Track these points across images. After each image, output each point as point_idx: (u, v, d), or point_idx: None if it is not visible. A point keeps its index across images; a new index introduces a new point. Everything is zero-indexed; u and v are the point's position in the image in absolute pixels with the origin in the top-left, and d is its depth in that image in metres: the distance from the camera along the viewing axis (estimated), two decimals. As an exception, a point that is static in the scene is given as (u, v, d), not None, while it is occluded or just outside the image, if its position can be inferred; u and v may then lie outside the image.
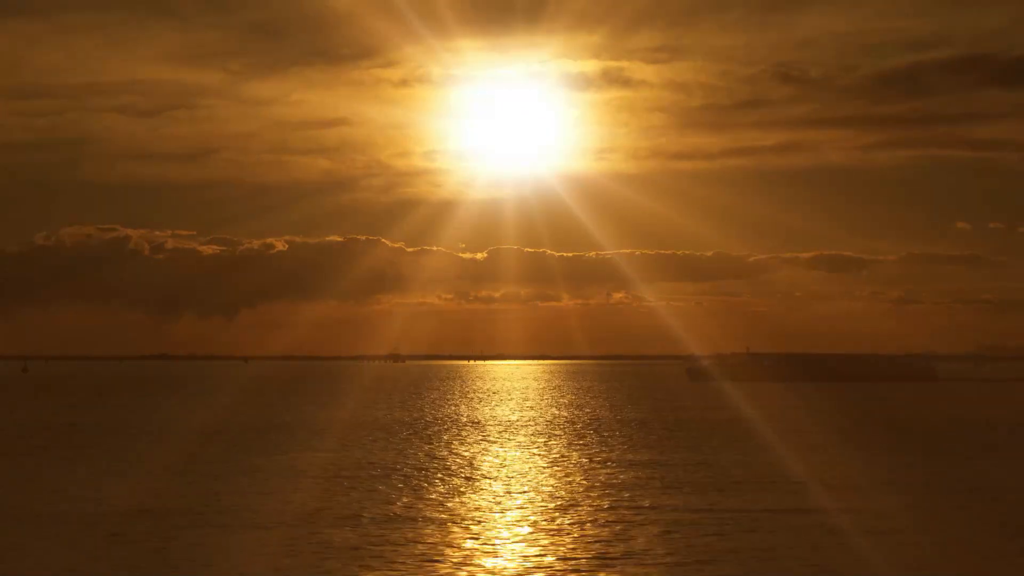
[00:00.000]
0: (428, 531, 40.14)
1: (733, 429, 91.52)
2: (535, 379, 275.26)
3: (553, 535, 39.26)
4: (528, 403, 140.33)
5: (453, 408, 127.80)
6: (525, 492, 50.75)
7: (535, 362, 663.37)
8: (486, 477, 56.78)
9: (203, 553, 36.13)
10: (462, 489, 51.85)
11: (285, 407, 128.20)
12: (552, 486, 53.03)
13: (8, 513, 44.51)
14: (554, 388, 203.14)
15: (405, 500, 48.18)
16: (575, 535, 39.29)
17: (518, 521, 42.32)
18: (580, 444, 76.80)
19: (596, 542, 37.91)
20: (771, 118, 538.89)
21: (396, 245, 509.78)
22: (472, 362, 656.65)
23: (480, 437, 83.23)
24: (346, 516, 43.50)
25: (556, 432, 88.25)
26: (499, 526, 41.21)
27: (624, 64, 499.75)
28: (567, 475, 57.82)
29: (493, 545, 37.37)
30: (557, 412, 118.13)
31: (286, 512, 44.40)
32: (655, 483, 54.28)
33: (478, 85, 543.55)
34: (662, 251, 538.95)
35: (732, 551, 36.17)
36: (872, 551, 36.25)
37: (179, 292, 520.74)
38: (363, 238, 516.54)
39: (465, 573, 33.12)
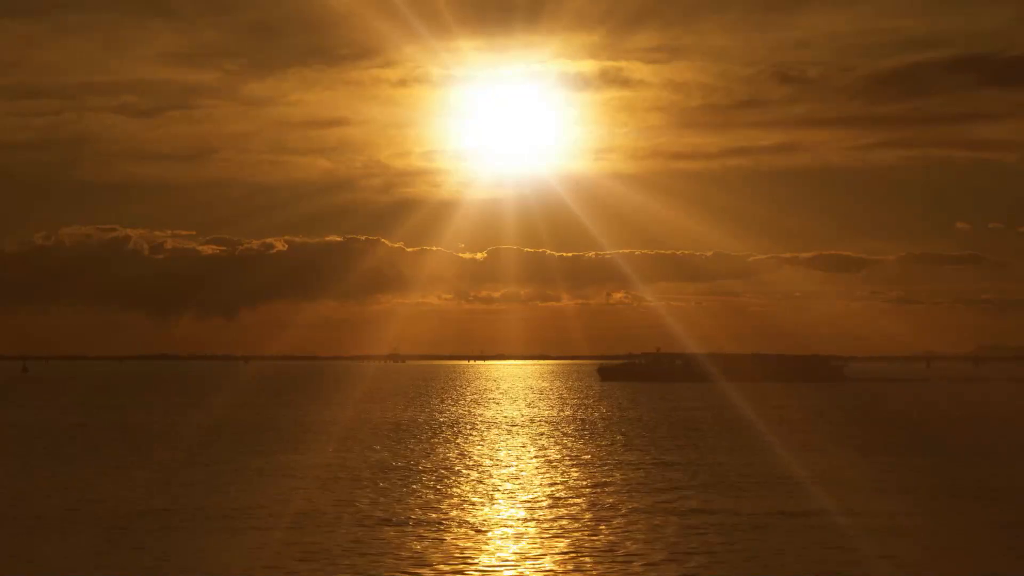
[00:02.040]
0: (428, 531, 40.25)
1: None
2: (535, 379, 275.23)
3: (552, 536, 39.37)
4: (526, 403, 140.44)
5: (453, 409, 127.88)
6: (524, 493, 50.86)
7: (535, 362, 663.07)
8: (485, 477, 56.87)
9: (203, 553, 36.26)
10: (462, 489, 51.96)
11: (285, 407, 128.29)
12: (550, 486, 53.14)
13: (9, 513, 44.64)
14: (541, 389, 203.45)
15: (406, 500, 48.29)
16: (574, 536, 39.42)
17: (517, 522, 42.42)
18: (565, 443, 77.01)
19: (595, 543, 38.06)
20: (770, 118, 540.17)
21: (396, 245, 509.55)
22: (472, 362, 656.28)
23: (479, 437, 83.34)
24: (346, 516, 43.61)
25: (553, 432, 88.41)
26: (498, 526, 41.32)
27: (623, 64, 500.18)
28: (563, 474, 57.96)
29: (493, 546, 37.49)
30: (554, 412, 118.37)
31: (286, 512, 44.52)
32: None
33: (477, 85, 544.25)
34: (662, 251, 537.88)
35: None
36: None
37: (179, 292, 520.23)
38: (363, 238, 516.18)
39: (465, 574, 33.27)
